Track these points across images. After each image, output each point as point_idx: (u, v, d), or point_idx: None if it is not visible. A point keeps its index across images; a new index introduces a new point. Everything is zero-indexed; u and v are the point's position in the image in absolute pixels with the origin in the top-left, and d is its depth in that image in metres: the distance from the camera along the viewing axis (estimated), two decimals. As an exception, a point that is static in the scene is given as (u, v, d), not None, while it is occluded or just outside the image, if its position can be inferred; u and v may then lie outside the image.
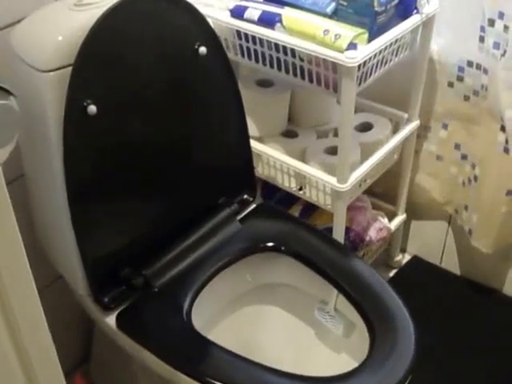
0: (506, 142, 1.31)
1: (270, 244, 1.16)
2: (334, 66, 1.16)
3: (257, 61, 1.30)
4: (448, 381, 1.45)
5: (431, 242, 1.70)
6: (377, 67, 1.22)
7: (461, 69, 1.37)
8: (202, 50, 1.07)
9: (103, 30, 0.92)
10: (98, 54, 0.93)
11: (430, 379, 1.42)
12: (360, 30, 1.14)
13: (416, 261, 1.73)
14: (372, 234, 1.47)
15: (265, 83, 1.44)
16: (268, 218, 1.22)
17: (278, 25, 1.20)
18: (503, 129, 1.31)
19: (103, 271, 1.05)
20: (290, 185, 1.40)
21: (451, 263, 1.68)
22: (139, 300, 1.07)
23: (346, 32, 1.13)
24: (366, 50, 1.13)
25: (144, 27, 0.99)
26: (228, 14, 1.27)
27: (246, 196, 1.25)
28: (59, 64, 0.90)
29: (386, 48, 1.19)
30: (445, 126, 1.48)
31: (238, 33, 1.29)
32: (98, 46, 0.93)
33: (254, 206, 1.25)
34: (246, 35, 1.27)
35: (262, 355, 1.25)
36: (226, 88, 1.15)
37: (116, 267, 1.07)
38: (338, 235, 1.36)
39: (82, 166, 0.96)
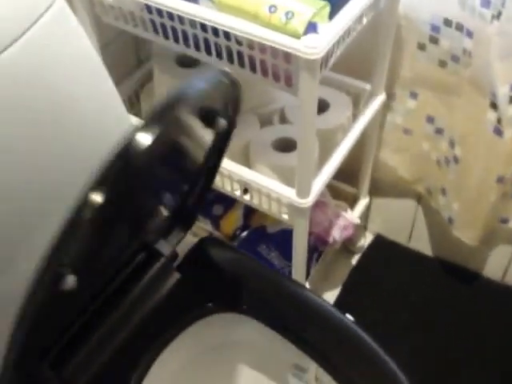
0: (498, 121, 1.05)
1: (224, 302, 0.88)
2: (287, 55, 0.84)
3: (176, 41, 0.96)
4: (427, 368, 1.28)
5: (396, 220, 1.46)
6: (339, 44, 0.91)
7: (435, 28, 1.08)
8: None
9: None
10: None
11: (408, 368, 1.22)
12: (320, 3, 0.82)
13: (380, 241, 1.50)
14: (336, 234, 1.21)
15: (188, 61, 1.10)
16: (215, 261, 0.93)
17: (204, -3, 0.87)
18: (494, 106, 1.04)
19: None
20: (232, 188, 1.11)
21: (421, 243, 1.46)
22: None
23: (302, 8, 0.81)
24: (329, 32, 0.81)
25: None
26: (130, -20, 0.92)
27: (178, 229, 0.94)
28: None
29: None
30: (414, 96, 1.20)
31: (148, 5, 0.94)
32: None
33: (194, 242, 0.95)
34: (159, 9, 0.93)
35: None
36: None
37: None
38: (300, 253, 1.09)
39: None
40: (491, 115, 1.06)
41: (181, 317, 0.86)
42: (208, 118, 0.69)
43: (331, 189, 1.32)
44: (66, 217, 0.52)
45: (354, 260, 1.47)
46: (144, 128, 0.55)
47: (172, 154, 0.71)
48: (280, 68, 0.87)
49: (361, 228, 1.44)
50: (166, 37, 0.97)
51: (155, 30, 0.98)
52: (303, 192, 0.97)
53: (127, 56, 1.25)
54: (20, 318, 0.59)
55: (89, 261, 0.66)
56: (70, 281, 0.61)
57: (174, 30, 0.95)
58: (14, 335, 0.61)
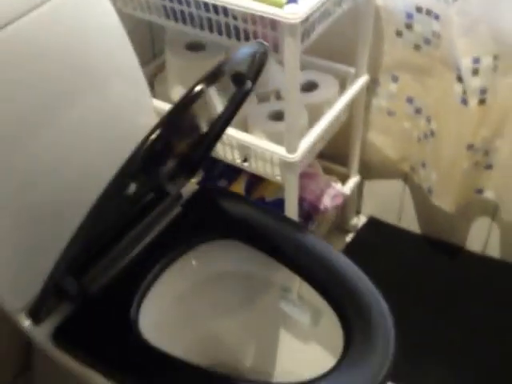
0: (464, 92, 1.20)
1: (220, 230, 1.03)
2: (273, 24, 1.02)
3: (185, 23, 1.15)
4: (416, 340, 1.38)
5: (387, 202, 1.60)
6: (320, 21, 1.09)
7: (409, 15, 1.24)
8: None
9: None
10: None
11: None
12: (300, -20, 1.00)
13: (373, 222, 1.64)
14: (327, 201, 1.36)
15: (195, 47, 1.28)
16: (214, 201, 1.08)
17: (205, -21, 1.05)
18: (460, 79, 1.20)
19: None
20: (233, 157, 1.27)
21: (410, 222, 1.60)
22: (77, 312, 0.93)
23: (284, -17, 0.99)
24: (308, 3, 0.99)
25: None
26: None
27: (183, 176, 1.10)
28: None
29: (329, -2, 1.06)
30: (395, 79, 1.36)
31: (160, -8, 1.13)
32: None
33: (195, 188, 1.11)
34: (170, -6, 1.11)
35: (223, 350, 1.14)
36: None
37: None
38: (291, 210, 1.24)
39: None
40: (458, 87, 1.21)
41: (182, 242, 1.01)
42: (238, 80, 0.86)
43: (324, 169, 1.48)
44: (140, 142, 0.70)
45: (348, 238, 1.61)
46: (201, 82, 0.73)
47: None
48: (269, 36, 1.04)
49: (352, 207, 1.59)
50: (176, 20, 1.16)
51: (167, 15, 1.17)
52: (291, 148, 1.13)
53: (143, 50, 1.43)
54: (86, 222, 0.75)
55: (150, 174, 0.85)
56: (132, 187, 0.78)
57: (182, 13, 1.13)
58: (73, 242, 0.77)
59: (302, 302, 1.02)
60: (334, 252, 1.02)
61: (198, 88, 0.73)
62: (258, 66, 0.87)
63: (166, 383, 0.84)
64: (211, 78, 0.75)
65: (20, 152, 0.85)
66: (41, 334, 0.92)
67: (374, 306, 0.93)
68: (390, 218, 1.63)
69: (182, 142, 0.93)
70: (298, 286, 1.02)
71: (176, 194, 1.06)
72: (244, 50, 0.82)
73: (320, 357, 0.99)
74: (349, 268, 0.99)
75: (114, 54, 0.99)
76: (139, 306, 0.95)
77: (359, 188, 1.59)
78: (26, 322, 0.92)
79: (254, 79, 0.89)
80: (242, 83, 0.88)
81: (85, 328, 0.93)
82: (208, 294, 1.07)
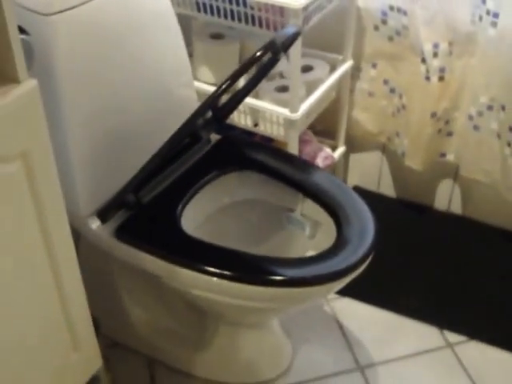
0: (427, 71, 1.55)
1: (240, 163, 1.36)
2: (281, 11, 1.37)
3: (212, 14, 1.49)
4: (391, 289, 1.69)
5: (369, 171, 1.94)
6: (315, 12, 1.44)
7: (384, 13, 1.60)
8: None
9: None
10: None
11: (377, 286, 1.66)
12: (301, -21, 1.35)
13: (357, 189, 1.96)
14: (319, 161, 1.69)
15: (217, 36, 1.63)
16: (235, 144, 1.42)
17: (230, -21, 1.40)
18: (423, 60, 1.55)
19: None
20: (246, 122, 1.60)
21: (387, 188, 1.93)
22: (132, 216, 1.24)
23: (290, -20, 1.34)
24: (307, -6, 1.34)
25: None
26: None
27: (212, 125, 1.42)
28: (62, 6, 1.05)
29: (322, -7, 1.41)
30: (374, 66, 1.71)
31: (193, -11, 1.47)
32: None
33: (219, 137, 1.44)
34: (199, -10, 1.46)
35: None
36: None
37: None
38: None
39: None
40: (422, 67, 1.56)
41: (211, 171, 1.34)
42: (274, 50, 1.18)
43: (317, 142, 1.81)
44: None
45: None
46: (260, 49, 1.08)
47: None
48: (277, 22, 1.39)
49: (340, 176, 1.92)
50: (206, 12, 1.50)
51: (198, 9, 1.52)
52: (294, 109, 1.47)
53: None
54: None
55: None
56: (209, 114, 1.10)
57: (211, 6, 1.48)
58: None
59: (303, 219, 1.35)
60: (331, 176, 1.36)
61: (258, 53, 1.08)
62: (290, 41, 1.20)
63: (207, 259, 1.15)
64: (266, 48, 1.09)
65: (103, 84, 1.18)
66: (106, 230, 1.23)
67: (361, 214, 1.27)
68: (370, 185, 1.96)
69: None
70: (301, 206, 1.34)
71: (206, 139, 1.39)
72: (285, 30, 1.16)
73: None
74: (341, 186, 1.34)
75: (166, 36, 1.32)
76: (180, 214, 1.25)
77: (345, 162, 1.93)
78: (95, 223, 1.23)
79: (286, 51, 1.22)
80: (277, 53, 1.20)
81: (139, 225, 1.24)
82: (231, 217, 1.39)
